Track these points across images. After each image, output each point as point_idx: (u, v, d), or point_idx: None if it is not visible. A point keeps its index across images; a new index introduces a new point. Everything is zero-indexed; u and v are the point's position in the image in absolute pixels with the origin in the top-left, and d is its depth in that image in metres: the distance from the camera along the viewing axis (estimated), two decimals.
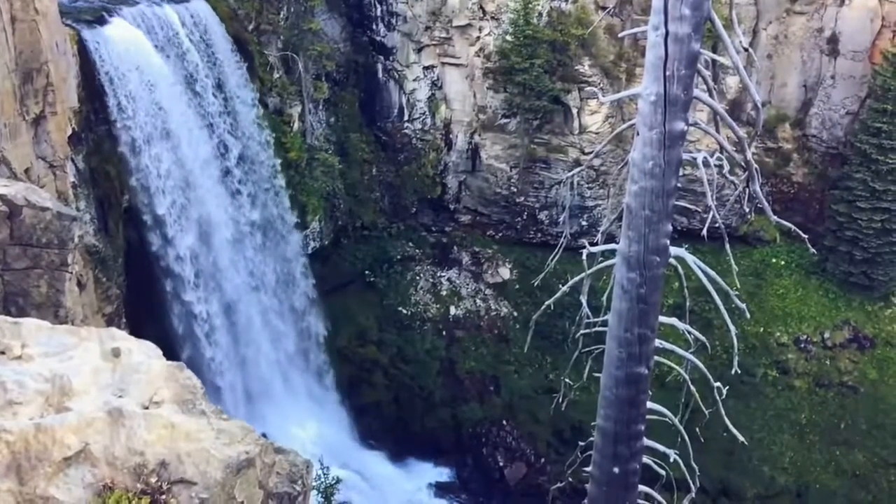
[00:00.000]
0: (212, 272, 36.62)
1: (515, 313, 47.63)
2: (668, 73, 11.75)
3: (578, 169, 20.32)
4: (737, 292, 15.12)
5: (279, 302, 41.54)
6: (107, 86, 30.12)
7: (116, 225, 31.67)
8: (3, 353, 9.52)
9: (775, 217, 13.92)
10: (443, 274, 48.85)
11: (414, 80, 47.30)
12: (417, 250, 49.44)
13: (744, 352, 43.60)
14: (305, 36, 41.55)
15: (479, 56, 45.96)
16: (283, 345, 41.73)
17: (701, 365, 15.45)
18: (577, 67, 44.73)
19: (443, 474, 43.62)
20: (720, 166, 13.90)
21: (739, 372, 16.40)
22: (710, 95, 12.84)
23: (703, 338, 15.65)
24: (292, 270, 42.37)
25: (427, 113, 48.09)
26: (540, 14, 43.96)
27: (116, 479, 8.49)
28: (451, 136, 48.44)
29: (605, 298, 14.86)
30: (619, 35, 42.10)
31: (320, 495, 26.84)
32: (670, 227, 13.15)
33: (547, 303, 16.31)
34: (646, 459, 15.84)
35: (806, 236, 14.94)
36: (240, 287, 38.53)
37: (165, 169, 33.16)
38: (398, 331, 46.85)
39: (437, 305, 47.68)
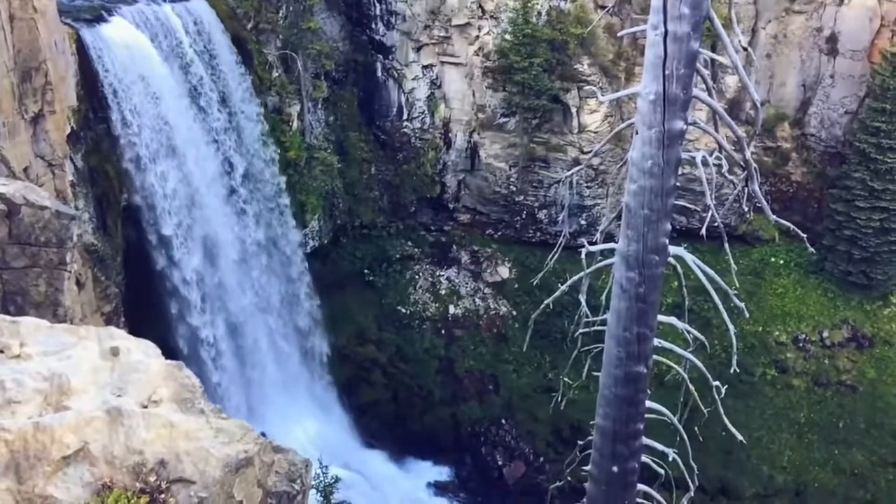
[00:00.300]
0: (218, 294, 36.13)
1: (514, 312, 47.64)
2: (667, 72, 11.75)
3: (577, 168, 20.30)
4: (735, 291, 15.14)
5: (283, 323, 41.35)
6: (110, 98, 29.43)
7: (115, 223, 31.56)
8: (1, 351, 9.52)
9: (774, 216, 13.92)
10: (442, 273, 48.85)
11: (413, 79, 47.28)
12: (416, 249, 49.43)
13: (742, 351, 43.57)
14: (304, 35, 41.50)
15: (478, 55, 45.95)
16: (288, 365, 41.45)
17: (700, 364, 15.46)
18: (576, 66, 44.73)
19: (442, 473, 43.62)
20: (719, 165, 13.91)
21: (738, 371, 16.41)
22: (710, 94, 12.84)
23: (701, 337, 15.66)
24: (297, 291, 42.17)
25: (426, 112, 48.08)
26: (539, 13, 43.95)
27: (115, 478, 8.48)
28: (450, 134, 48.43)
29: (603, 297, 14.87)
30: (619, 34, 42.02)
31: (319, 494, 26.84)
32: (669, 227, 13.16)
33: (546, 302, 16.32)
34: (645, 458, 15.85)
35: (805, 235, 14.96)
36: (245, 308, 38.18)
37: (171, 188, 32.46)
38: (397, 330, 46.85)
39: (436, 304, 47.67)
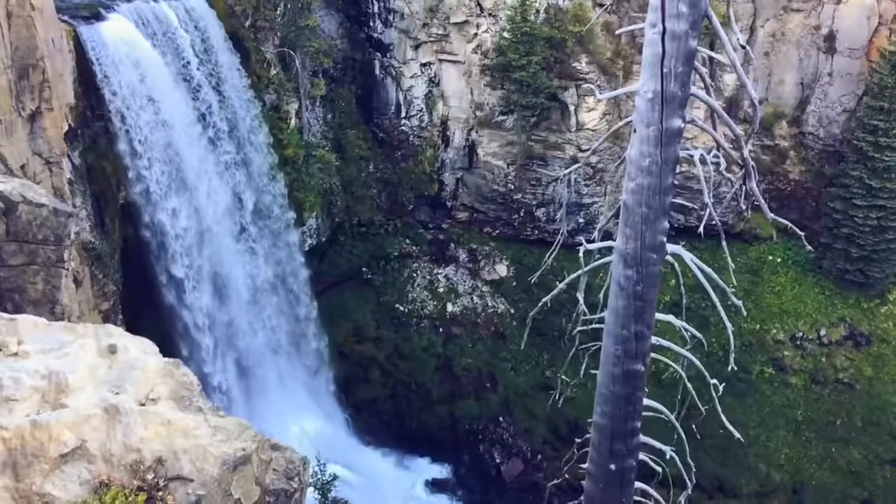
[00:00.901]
0: (228, 334, 35.75)
1: (512, 310, 47.64)
2: (665, 71, 11.75)
3: (575, 166, 20.31)
4: (733, 289, 15.17)
5: (291, 361, 41.25)
6: (118, 125, 28.72)
7: (113, 221, 31.47)
8: None
9: (772, 214, 13.92)
10: (440, 271, 48.84)
11: (411, 76, 47.25)
12: (414, 247, 49.43)
13: (740, 349, 43.65)
14: (302, 32, 41.42)
15: (476, 53, 45.92)
16: (297, 398, 41.37)
17: (697, 362, 15.49)
18: (574, 64, 44.71)
19: (439, 471, 43.63)
20: (717, 163, 13.93)
21: (736, 369, 16.45)
22: (708, 93, 12.84)
23: (699, 335, 15.69)
24: (305, 330, 42.05)
25: (424, 110, 48.06)
26: (537, 11, 43.91)
27: (113, 475, 8.48)
28: (448, 132, 48.40)
29: (601, 295, 14.88)
30: (617, 32, 42.04)
31: (317, 492, 26.88)
32: (667, 225, 13.16)
33: (544, 300, 16.35)
34: (642, 456, 15.87)
35: (802, 233, 15.01)
36: (255, 346, 38.02)
37: (182, 227, 31.68)
38: (395, 328, 46.86)
39: (434, 302, 47.68)
